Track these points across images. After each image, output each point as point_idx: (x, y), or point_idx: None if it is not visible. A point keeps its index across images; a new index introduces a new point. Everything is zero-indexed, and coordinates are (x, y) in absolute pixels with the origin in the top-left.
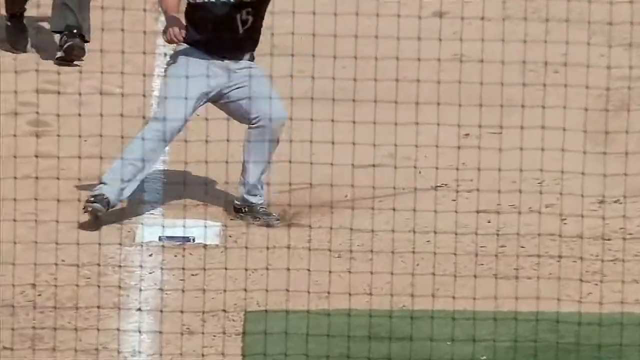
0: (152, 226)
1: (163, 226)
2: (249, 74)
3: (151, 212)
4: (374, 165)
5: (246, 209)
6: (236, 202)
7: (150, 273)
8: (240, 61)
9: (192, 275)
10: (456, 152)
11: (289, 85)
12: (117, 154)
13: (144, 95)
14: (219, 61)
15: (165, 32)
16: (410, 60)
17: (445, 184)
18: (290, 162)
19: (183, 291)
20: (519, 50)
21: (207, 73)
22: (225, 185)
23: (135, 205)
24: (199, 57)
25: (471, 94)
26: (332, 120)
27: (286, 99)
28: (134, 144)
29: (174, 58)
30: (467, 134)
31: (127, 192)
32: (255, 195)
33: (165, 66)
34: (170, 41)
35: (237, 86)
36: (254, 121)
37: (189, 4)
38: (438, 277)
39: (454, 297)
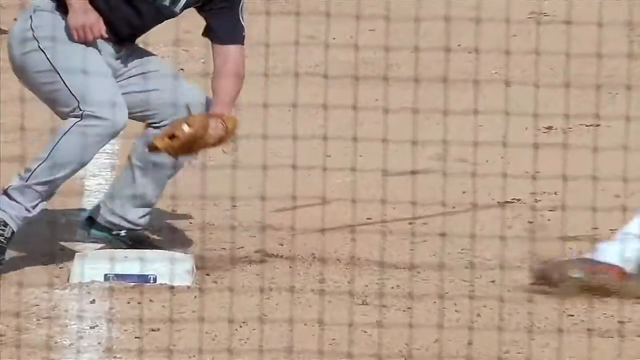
0: (95, 260)
1: (111, 259)
2: (143, 58)
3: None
4: (413, 172)
5: (124, 233)
6: (109, 218)
7: (93, 327)
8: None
9: (153, 330)
10: (533, 153)
11: (292, 57)
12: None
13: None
14: (110, 47)
15: (75, 27)
16: (466, 21)
17: (518, 199)
18: (293, 167)
19: (141, 352)
20: (623, 5)
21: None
22: (201, 200)
23: (71, 229)
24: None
25: (554, 69)
26: (354, 107)
27: (288, 76)
28: (41, 159)
29: (54, 33)
30: (548, 127)
31: (35, 213)
32: (144, 215)
33: (44, 46)
34: (82, 39)
35: (130, 74)
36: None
37: None
38: (507, 333)
39: None
